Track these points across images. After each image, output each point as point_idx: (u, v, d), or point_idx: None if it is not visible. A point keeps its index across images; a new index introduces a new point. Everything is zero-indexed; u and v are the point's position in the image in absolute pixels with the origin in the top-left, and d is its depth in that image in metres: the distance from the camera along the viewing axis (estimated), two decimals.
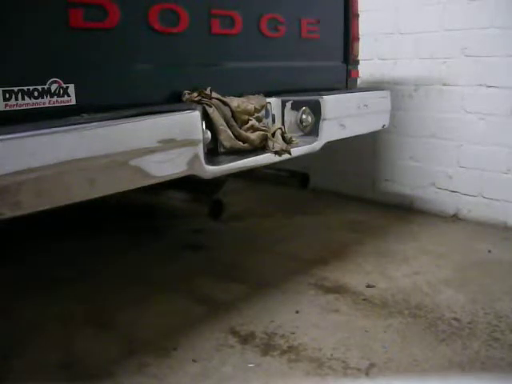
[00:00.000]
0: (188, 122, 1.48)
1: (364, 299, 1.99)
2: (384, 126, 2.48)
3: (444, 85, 2.88)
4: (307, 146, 1.99)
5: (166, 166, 1.42)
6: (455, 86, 2.84)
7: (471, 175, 2.86)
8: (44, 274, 2.28)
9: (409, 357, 1.60)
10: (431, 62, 2.91)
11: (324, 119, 2.03)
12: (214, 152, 1.69)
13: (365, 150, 3.26)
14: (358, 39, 2.46)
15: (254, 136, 1.77)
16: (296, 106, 2.07)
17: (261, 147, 1.80)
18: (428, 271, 2.22)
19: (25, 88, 1.27)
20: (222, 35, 1.82)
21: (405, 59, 3.03)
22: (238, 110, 1.74)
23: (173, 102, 1.65)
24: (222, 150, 1.71)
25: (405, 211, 3.06)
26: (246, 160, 1.72)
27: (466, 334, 1.72)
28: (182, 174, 1.48)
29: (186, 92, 1.66)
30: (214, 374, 1.54)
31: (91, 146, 1.22)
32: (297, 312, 1.90)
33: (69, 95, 1.36)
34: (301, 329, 1.78)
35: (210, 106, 1.64)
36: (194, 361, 1.61)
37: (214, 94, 1.68)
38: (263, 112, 1.91)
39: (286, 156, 1.83)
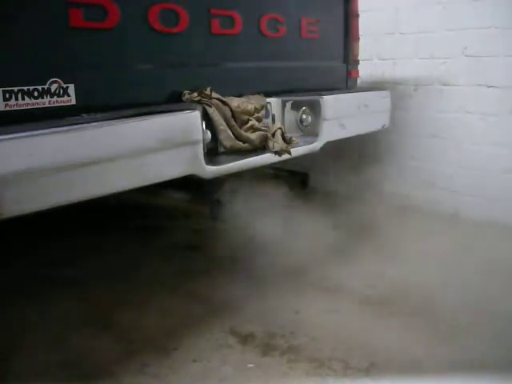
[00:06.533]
0: (188, 122, 1.48)
1: (364, 299, 1.99)
2: (384, 125, 2.48)
3: (444, 85, 2.88)
4: (307, 146, 1.99)
5: (166, 166, 1.42)
6: (455, 86, 2.84)
7: (471, 175, 2.86)
8: (44, 273, 2.27)
9: (409, 357, 1.60)
10: (431, 62, 2.91)
11: (324, 119, 2.03)
12: (213, 152, 1.69)
13: (365, 149, 3.26)
14: (358, 39, 2.46)
15: (253, 136, 1.77)
16: (296, 106, 2.07)
17: (261, 147, 1.80)
18: (428, 271, 2.21)
19: (25, 88, 1.27)
20: (222, 35, 1.82)
21: (405, 59, 3.03)
22: (238, 110, 1.74)
23: (173, 102, 1.65)
24: (221, 149, 1.71)
25: (405, 211, 3.06)
26: (246, 160, 1.72)
27: (465, 333, 1.72)
28: (182, 174, 1.48)
29: (186, 92, 1.66)
30: (214, 374, 1.54)
31: (91, 146, 1.22)
32: (297, 312, 1.90)
33: (69, 95, 1.36)
34: (301, 329, 1.78)
35: (210, 106, 1.64)
36: (194, 361, 1.61)
37: (214, 94, 1.68)
38: (263, 112, 1.91)
39: (285, 156, 1.83)
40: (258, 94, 1.94)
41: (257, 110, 1.83)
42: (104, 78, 1.48)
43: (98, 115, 1.31)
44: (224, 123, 1.68)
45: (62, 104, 1.35)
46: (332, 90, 2.23)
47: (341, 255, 2.42)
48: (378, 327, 1.78)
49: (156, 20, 1.58)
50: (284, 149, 1.81)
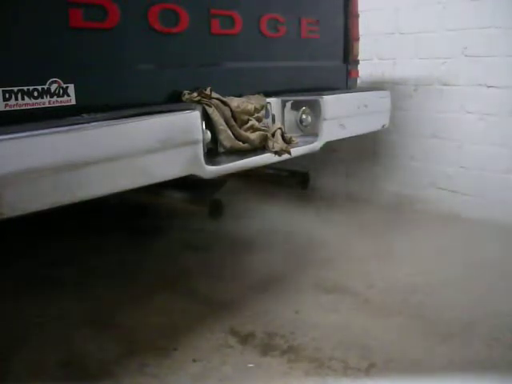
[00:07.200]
0: (188, 122, 1.48)
1: (364, 299, 1.99)
2: (384, 125, 2.48)
3: (444, 85, 2.88)
4: (307, 146, 1.99)
5: (166, 166, 1.42)
6: (455, 86, 2.84)
7: (471, 175, 2.86)
8: (44, 273, 2.27)
9: (409, 357, 1.60)
10: (431, 62, 2.91)
11: (324, 119, 2.03)
12: (213, 152, 1.69)
13: (365, 149, 3.26)
14: (357, 39, 2.46)
15: (253, 136, 1.77)
16: (296, 106, 2.07)
17: (261, 147, 1.80)
18: (428, 271, 2.22)
19: (25, 88, 1.27)
20: (222, 35, 1.82)
21: (405, 59, 3.03)
22: (238, 110, 1.74)
23: (173, 102, 1.65)
24: (221, 150, 1.71)
25: (405, 211, 3.06)
26: (245, 160, 1.72)
27: (466, 334, 1.72)
28: (182, 174, 1.48)
29: (186, 92, 1.66)
30: (214, 374, 1.54)
31: (91, 146, 1.22)
32: (297, 312, 1.90)
33: (69, 95, 1.36)
34: (301, 329, 1.78)
35: (210, 106, 1.64)
36: (194, 361, 1.61)
37: (214, 94, 1.68)
38: (263, 112, 1.91)
39: (285, 156, 1.83)
40: (258, 93, 1.94)
41: (257, 110, 1.83)
42: (104, 78, 1.48)
43: (98, 115, 1.31)
44: (224, 123, 1.68)
45: (62, 104, 1.35)
46: (332, 89, 2.23)
47: (340, 255, 2.42)
48: (378, 327, 1.78)
49: (156, 20, 1.58)
50: (284, 149, 1.81)
